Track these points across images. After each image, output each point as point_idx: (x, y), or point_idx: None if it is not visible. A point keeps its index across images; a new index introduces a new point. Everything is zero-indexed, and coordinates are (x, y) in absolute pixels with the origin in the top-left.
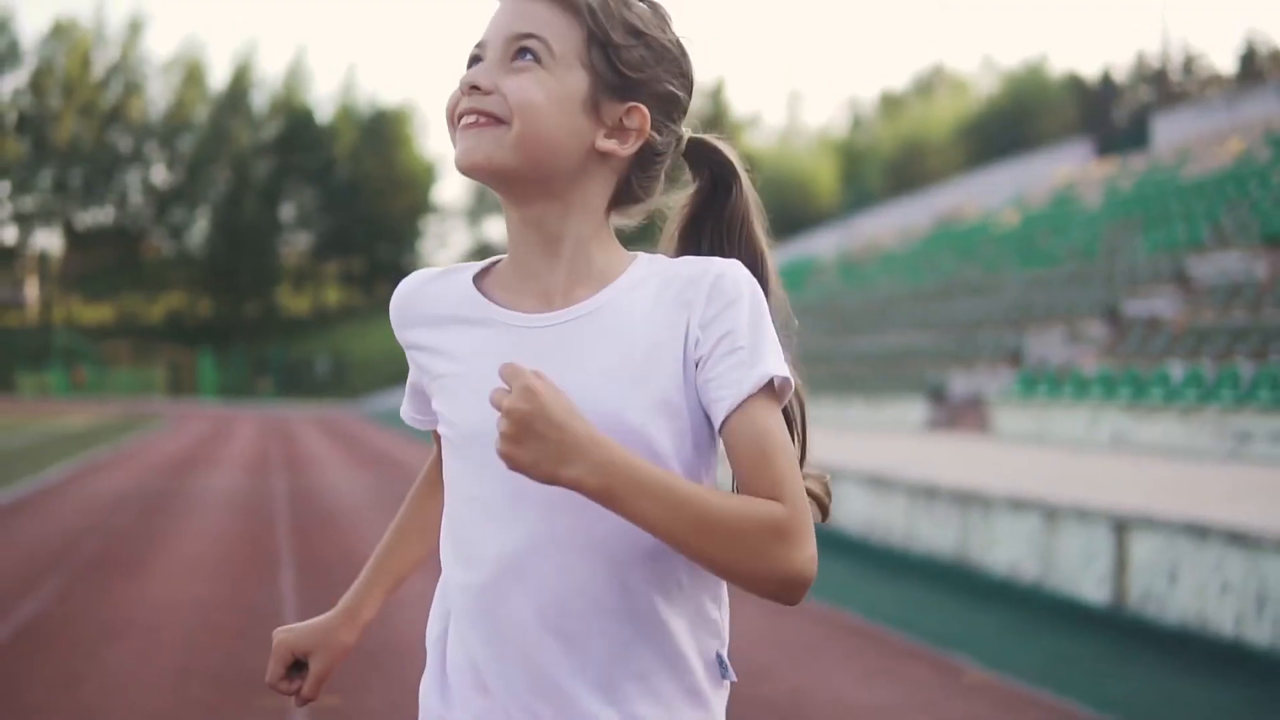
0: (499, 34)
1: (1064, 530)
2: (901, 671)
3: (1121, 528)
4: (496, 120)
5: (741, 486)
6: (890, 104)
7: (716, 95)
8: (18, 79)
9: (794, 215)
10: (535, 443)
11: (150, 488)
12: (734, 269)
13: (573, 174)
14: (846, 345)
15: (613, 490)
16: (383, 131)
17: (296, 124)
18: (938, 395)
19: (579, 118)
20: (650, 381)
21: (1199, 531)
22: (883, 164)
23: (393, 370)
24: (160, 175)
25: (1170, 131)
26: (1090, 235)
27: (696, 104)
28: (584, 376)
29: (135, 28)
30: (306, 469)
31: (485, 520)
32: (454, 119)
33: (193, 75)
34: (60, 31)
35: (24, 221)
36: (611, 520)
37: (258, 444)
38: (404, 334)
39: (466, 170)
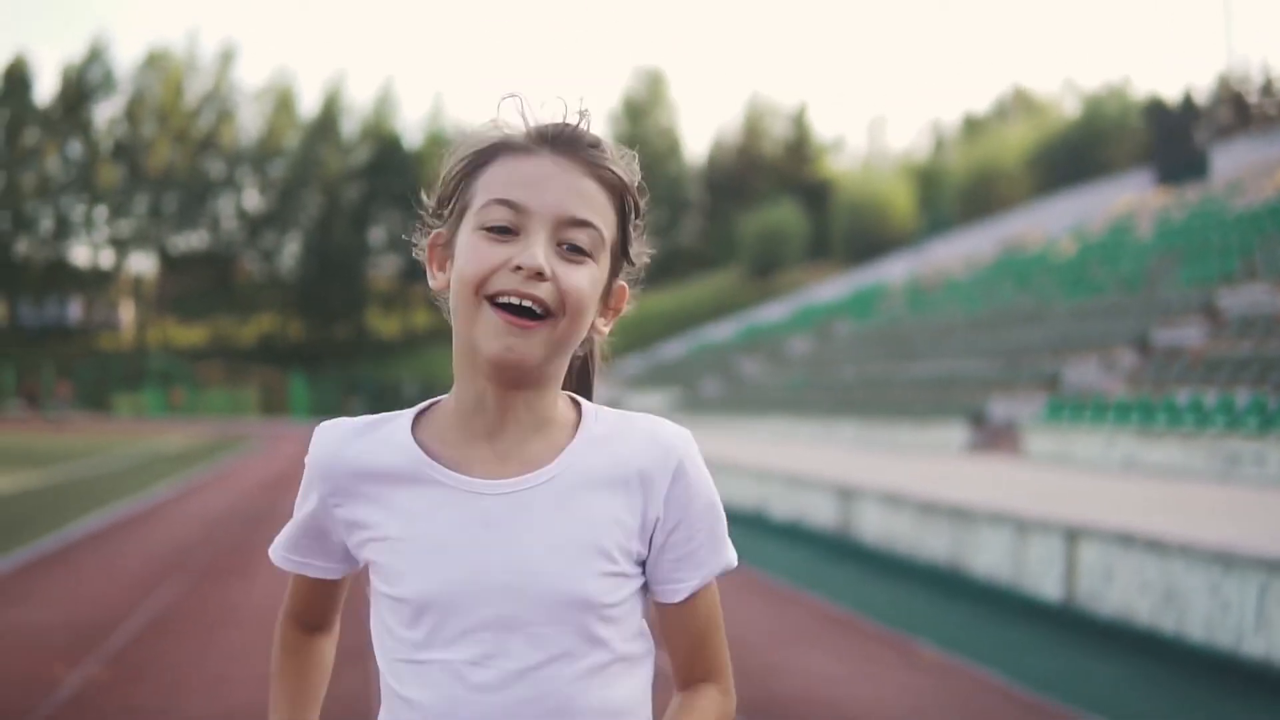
0: (550, 209)
1: (1031, 540)
2: (876, 654)
3: (1072, 537)
4: (548, 311)
5: (684, 655)
6: (972, 127)
7: (799, 119)
8: (114, 107)
9: (870, 240)
10: None
11: (248, 505)
12: (689, 448)
13: (567, 358)
14: (904, 371)
15: None
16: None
17: (385, 150)
18: (978, 419)
19: (597, 304)
20: (599, 557)
21: (1125, 540)
22: (958, 189)
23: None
24: (252, 200)
25: (1229, 161)
26: (1137, 267)
27: (780, 127)
28: (532, 549)
29: (227, 57)
30: None
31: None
32: (488, 290)
33: (283, 103)
34: (154, 61)
35: (120, 246)
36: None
37: None
38: (330, 488)
39: (505, 364)
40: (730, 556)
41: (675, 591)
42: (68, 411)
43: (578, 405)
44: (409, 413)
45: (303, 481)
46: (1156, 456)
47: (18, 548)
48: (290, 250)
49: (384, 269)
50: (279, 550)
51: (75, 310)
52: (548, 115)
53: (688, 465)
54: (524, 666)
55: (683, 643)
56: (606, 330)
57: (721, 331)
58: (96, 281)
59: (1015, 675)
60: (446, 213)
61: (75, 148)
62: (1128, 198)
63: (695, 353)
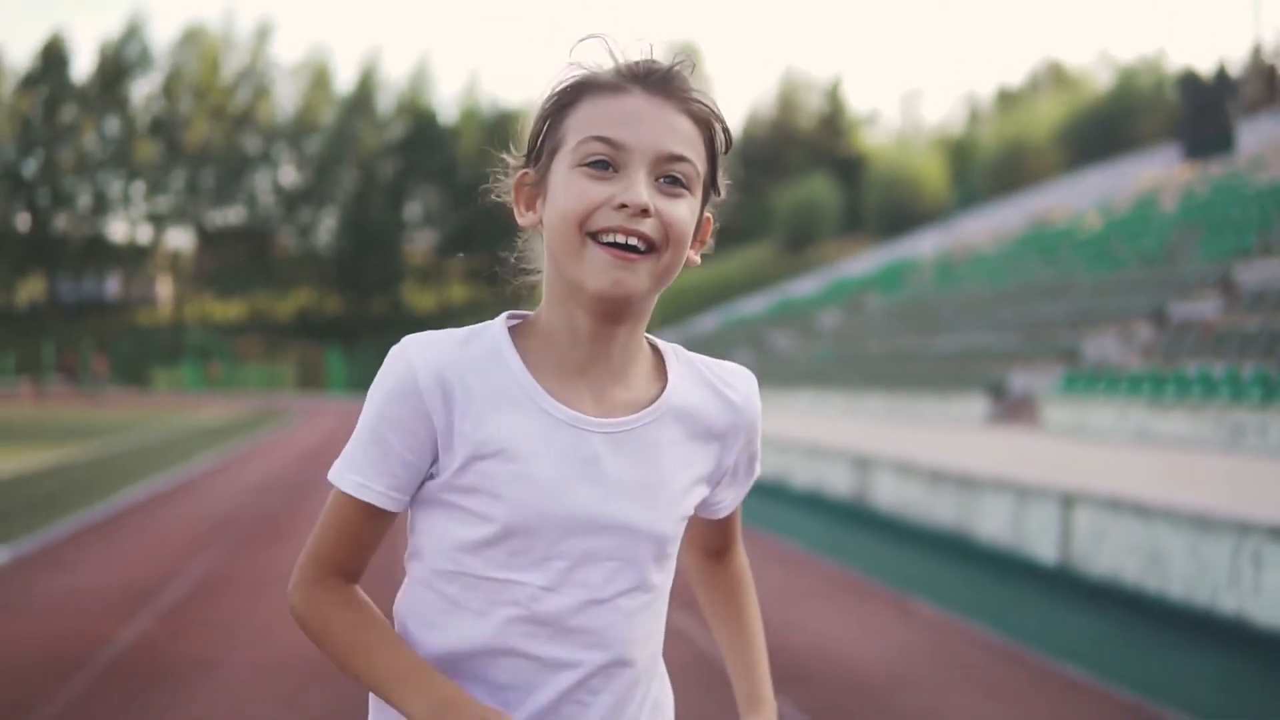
0: (648, 145)
1: (1031, 506)
2: (877, 611)
3: (1068, 503)
4: (651, 246)
5: (704, 539)
6: (1006, 100)
7: (834, 93)
8: (151, 84)
9: (902, 214)
10: None
11: (287, 475)
12: (758, 402)
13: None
14: (930, 344)
15: None
16: (504, 132)
17: (421, 125)
18: (998, 392)
19: (691, 237)
20: (682, 500)
21: (1114, 505)
22: (989, 163)
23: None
24: (289, 176)
25: (1255, 136)
26: (1158, 241)
27: (814, 101)
28: (631, 490)
29: (263, 34)
30: None
31: (542, 640)
32: (591, 226)
33: (320, 79)
34: (190, 38)
35: (157, 221)
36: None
37: None
38: (435, 399)
39: (611, 299)
40: (757, 469)
41: (719, 509)
42: (105, 386)
43: (653, 343)
44: (500, 330)
45: (382, 399)
46: (1167, 428)
47: (68, 516)
48: (327, 225)
49: (419, 244)
50: (347, 473)
51: (113, 286)
52: (633, 54)
53: (757, 420)
54: (595, 598)
55: (713, 534)
56: (699, 259)
57: (754, 305)
58: (134, 257)
59: (1006, 631)
60: (534, 153)
61: (113, 124)
62: (1155, 172)
63: (727, 326)
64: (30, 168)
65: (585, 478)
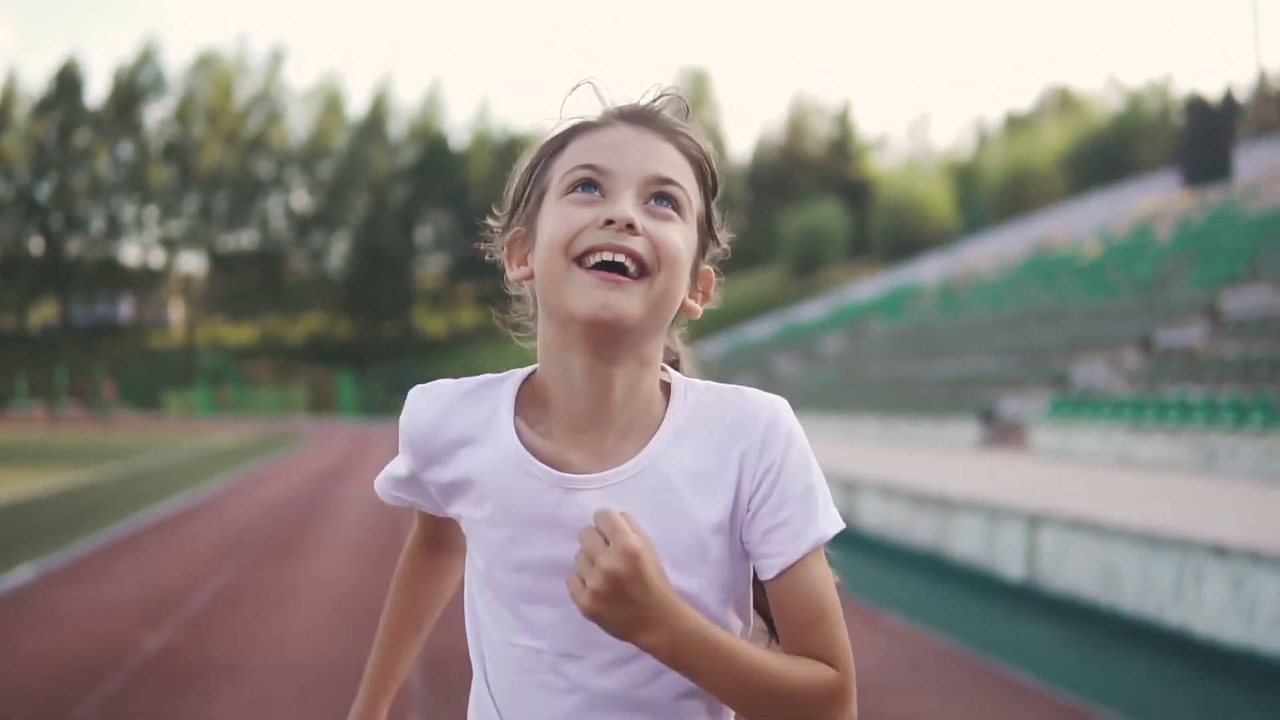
0: (634, 169)
1: (1001, 526)
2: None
3: (1034, 523)
4: (642, 268)
5: (789, 640)
6: (1014, 125)
7: (843, 118)
8: (164, 109)
9: (909, 239)
10: (624, 606)
11: (300, 497)
12: (780, 414)
13: (663, 332)
14: (928, 369)
15: (683, 658)
16: (515, 157)
17: (432, 150)
18: (989, 416)
19: (689, 276)
20: (697, 543)
21: (1075, 525)
22: (994, 189)
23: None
24: (301, 200)
25: (1252, 164)
26: (1151, 269)
27: (824, 126)
28: None
29: (276, 59)
30: None
31: (538, 679)
32: (577, 249)
33: (332, 104)
34: (204, 63)
35: (170, 245)
36: (665, 677)
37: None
38: (423, 460)
39: (600, 323)
40: (825, 526)
41: (768, 567)
42: (115, 410)
43: (666, 384)
44: (511, 387)
45: (400, 440)
46: (1146, 451)
47: (92, 534)
48: (338, 250)
49: (431, 268)
50: (384, 488)
51: (126, 309)
52: (621, 98)
53: (777, 435)
54: (617, 658)
55: (786, 625)
56: (699, 310)
57: (761, 330)
58: (147, 281)
59: (972, 642)
60: (523, 207)
61: (126, 149)
62: (1154, 199)
63: (734, 351)
64: (44, 192)
65: (573, 538)
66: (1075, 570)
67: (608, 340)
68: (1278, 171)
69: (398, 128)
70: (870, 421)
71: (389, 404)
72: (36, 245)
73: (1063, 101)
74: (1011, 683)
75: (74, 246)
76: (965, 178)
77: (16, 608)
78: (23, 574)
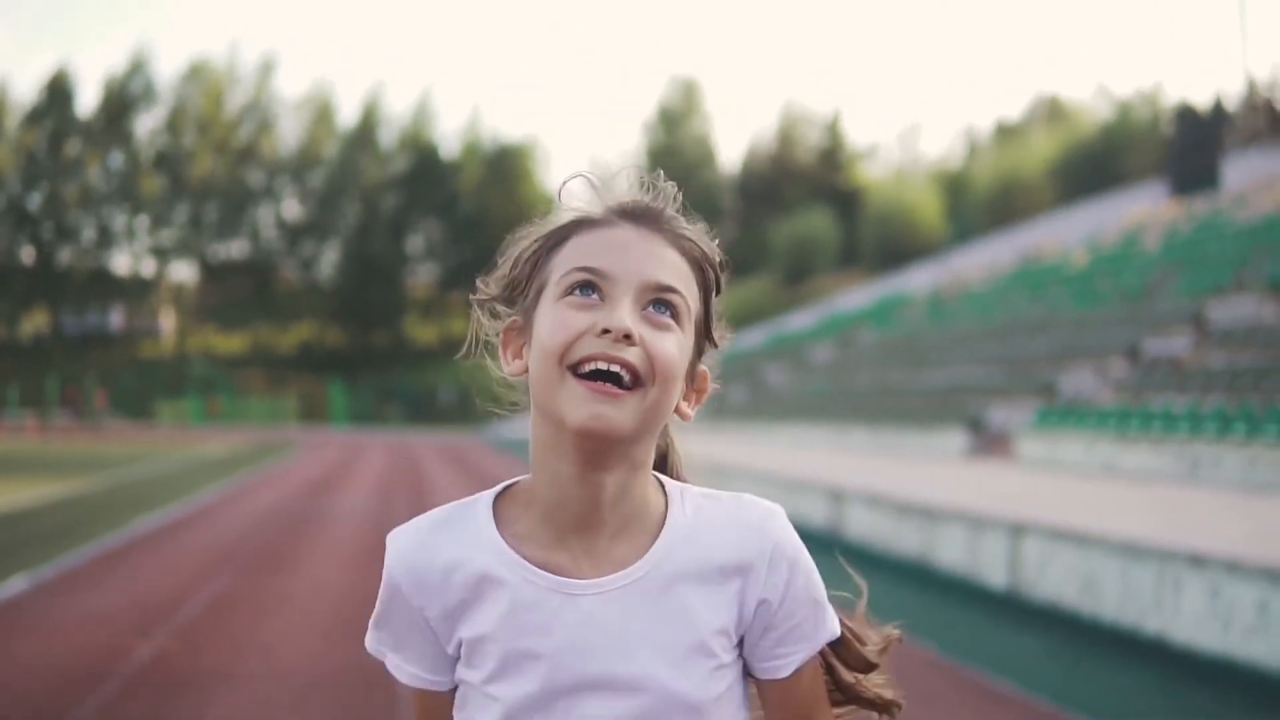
0: (633, 275)
1: (984, 536)
2: None
3: (1017, 533)
4: (636, 379)
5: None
6: (1004, 134)
7: (833, 127)
8: (155, 118)
9: (899, 249)
10: None
11: (292, 506)
12: (784, 530)
13: (654, 437)
14: (916, 379)
15: None
16: (505, 166)
17: (423, 160)
18: (976, 426)
19: (683, 381)
20: (703, 656)
21: (1056, 535)
22: (983, 198)
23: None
24: (291, 210)
25: (1239, 173)
26: (1139, 278)
27: (814, 135)
28: (637, 651)
29: (266, 69)
30: (431, 492)
31: None
32: (572, 358)
33: (323, 114)
34: (195, 73)
35: (161, 255)
36: None
37: (385, 469)
38: (417, 597)
39: (591, 434)
40: (832, 626)
41: (779, 669)
42: (105, 419)
43: (662, 487)
44: (485, 503)
45: (381, 594)
46: (1131, 461)
47: (84, 544)
48: (329, 259)
49: (421, 277)
50: (403, 667)
51: (117, 319)
52: (620, 189)
53: (784, 547)
54: None
55: (785, 718)
56: (692, 414)
57: (751, 339)
58: (138, 290)
59: (955, 651)
60: (521, 295)
61: (117, 158)
62: (1142, 208)
63: (724, 361)
64: (35, 201)
65: (585, 645)
66: (1057, 579)
67: (598, 449)
68: (1265, 181)
69: (388, 137)
70: (859, 431)
71: (380, 413)
72: (27, 255)
73: (1052, 111)
74: (994, 691)
75: (65, 256)
76: (955, 187)
77: (10, 617)
78: (16, 584)
